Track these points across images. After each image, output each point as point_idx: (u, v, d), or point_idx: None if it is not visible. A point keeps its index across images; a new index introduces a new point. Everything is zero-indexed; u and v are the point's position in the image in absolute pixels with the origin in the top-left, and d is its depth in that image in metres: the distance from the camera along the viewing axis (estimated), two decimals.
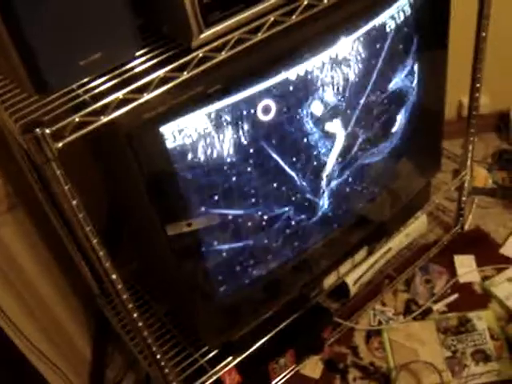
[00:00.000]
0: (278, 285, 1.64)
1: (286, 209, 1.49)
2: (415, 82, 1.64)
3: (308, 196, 1.52)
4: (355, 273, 1.85)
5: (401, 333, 1.93)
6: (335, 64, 1.37)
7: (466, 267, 2.11)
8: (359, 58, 1.42)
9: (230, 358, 1.61)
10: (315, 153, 1.46)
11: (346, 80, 1.42)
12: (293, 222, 1.52)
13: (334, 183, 1.56)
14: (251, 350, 1.65)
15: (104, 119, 0.97)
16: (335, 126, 1.47)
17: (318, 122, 1.41)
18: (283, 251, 1.57)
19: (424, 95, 1.69)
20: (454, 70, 1.77)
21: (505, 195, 2.40)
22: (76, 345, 1.85)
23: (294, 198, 1.49)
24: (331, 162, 1.52)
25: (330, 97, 1.41)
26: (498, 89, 2.32)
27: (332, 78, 1.38)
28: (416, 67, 1.61)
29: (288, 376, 1.83)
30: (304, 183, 1.48)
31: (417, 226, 2.02)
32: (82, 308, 1.89)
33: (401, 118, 1.66)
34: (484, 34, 1.68)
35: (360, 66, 1.43)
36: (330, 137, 1.47)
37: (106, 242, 1.13)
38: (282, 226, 1.51)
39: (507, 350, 1.84)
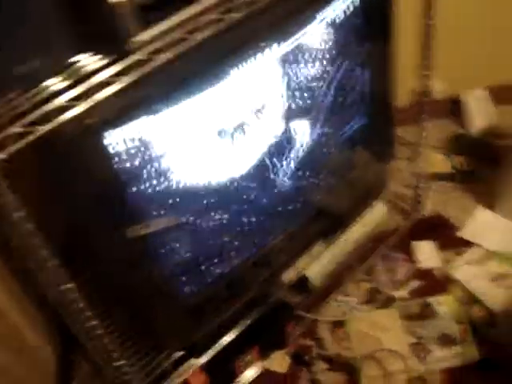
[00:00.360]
0: (239, 282, 1.63)
1: (244, 207, 1.48)
2: (364, 70, 1.64)
3: (264, 192, 1.51)
4: (316, 265, 1.85)
5: (365, 322, 1.93)
6: (284, 58, 1.36)
7: (427, 253, 2.13)
8: (307, 50, 1.42)
9: (195, 359, 1.61)
10: (269, 149, 1.46)
11: (296, 73, 1.42)
12: (251, 219, 1.52)
13: (289, 177, 1.56)
14: (216, 349, 1.64)
15: (45, 128, 0.95)
16: (287, 121, 1.46)
17: (269, 118, 1.41)
18: (243, 248, 1.57)
19: (374, 83, 1.69)
20: (406, 56, 1.78)
21: (463, 179, 2.43)
22: (38, 356, 1.82)
23: (251, 196, 1.48)
24: (285, 156, 1.51)
25: (280, 90, 1.40)
26: (452, 74, 2.33)
27: (282, 72, 1.37)
28: (364, 56, 1.61)
29: (255, 372, 1.83)
30: (259, 179, 1.48)
31: (375, 215, 2.02)
32: (44, 319, 1.86)
33: (352, 108, 1.66)
34: (432, 21, 1.69)
35: (308, 57, 1.43)
36: (283, 132, 1.47)
37: (62, 251, 1.12)
38: (240, 223, 1.50)
39: (471, 333, 1.86)
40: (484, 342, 1.83)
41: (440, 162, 2.48)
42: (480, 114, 2.66)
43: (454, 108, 2.69)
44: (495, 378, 1.77)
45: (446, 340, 1.85)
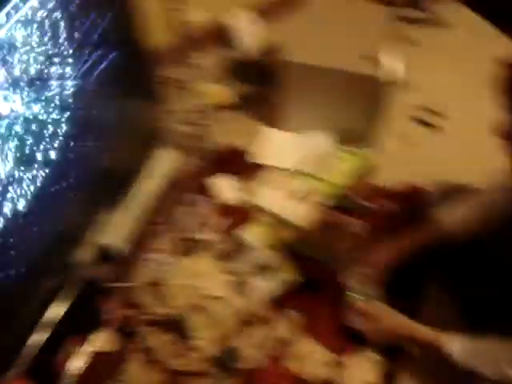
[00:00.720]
0: (33, 276, 1.47)
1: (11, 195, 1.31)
2: (106, 14, 1.48)
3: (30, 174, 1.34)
4: (114, 232, 1.73)
5: (181, 274, 1.85)
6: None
7: (226, 187, 2.08)
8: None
9: (13, 368, 1.44)
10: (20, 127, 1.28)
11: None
12: (20, 209, 1.34)
13: (54, 151, 1.40)
14: (33, 350, 1.49)
15: None
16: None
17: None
18: (22, 240, 1.39)
19: (120, 26, 1.54)
20: None
21: (247, 106, 2.39)
22: None
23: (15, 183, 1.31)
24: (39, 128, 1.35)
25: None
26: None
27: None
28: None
29: (83, 360, 1.69)
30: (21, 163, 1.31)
31: (164, 163, 1.92)
32: None
33: (102, 57, 1.51)
34: None
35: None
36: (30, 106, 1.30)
37: None
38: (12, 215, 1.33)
39: (286, 256, 1.85)
40: (302, 262, 1.83)
41: (220, 93, 2.42)
42: (249, 36, 2.62)
43: (225, 35, 2.61)
44: (319, 294, 1.78)
45: (265, 270, 1.82)
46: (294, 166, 2.12)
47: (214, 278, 1.82)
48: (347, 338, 1.70)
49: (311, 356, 1.67)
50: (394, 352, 1.68)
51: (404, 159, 2.27)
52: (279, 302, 1.77)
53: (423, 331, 1.57)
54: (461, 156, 2.24)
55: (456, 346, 1.48)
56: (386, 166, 2.17)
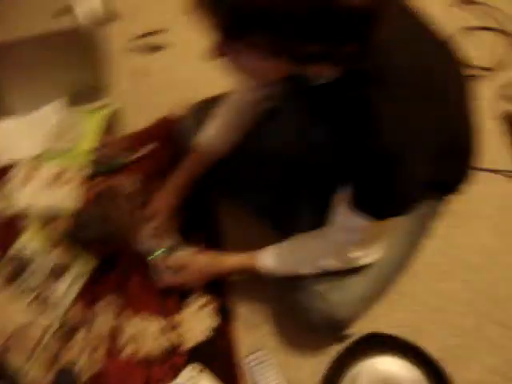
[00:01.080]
0: None
1: None
2: None
3: None
4: None
5: None
6: None
7: None
8: None
9: None
10: None
11: None
12: None
13: None
14: None
15: None
16: None
17: None
18: None
19: None
20: None
21: None
22: None
23: None
24: None
25: None
26: None
27: None
28: None
29: None
30: None
31: None
32: None
33: None
34: None
35: None
36: None
37: None
38: None
39: (72, 247, 1.70)
40: (91, 246, 1.70)
41: None
42: None
43: None
44: (125, 269, 1.70)
45: (58, 272, 1.68)
46: (38, 150, 1.93)
47: (13, 306, 1.64)
48: (172, 298, 1.64)
49: (145, 332, 1.59)
50: (221, 287, 1.66)
51: (146, 94, 2.15)
52: (90, 296, 1.65)
53: (235, 258, 1.54)
54: (199, 71, 2.12)
55: (268, 258, 1.47)
56: (130, 109, 2.05)
